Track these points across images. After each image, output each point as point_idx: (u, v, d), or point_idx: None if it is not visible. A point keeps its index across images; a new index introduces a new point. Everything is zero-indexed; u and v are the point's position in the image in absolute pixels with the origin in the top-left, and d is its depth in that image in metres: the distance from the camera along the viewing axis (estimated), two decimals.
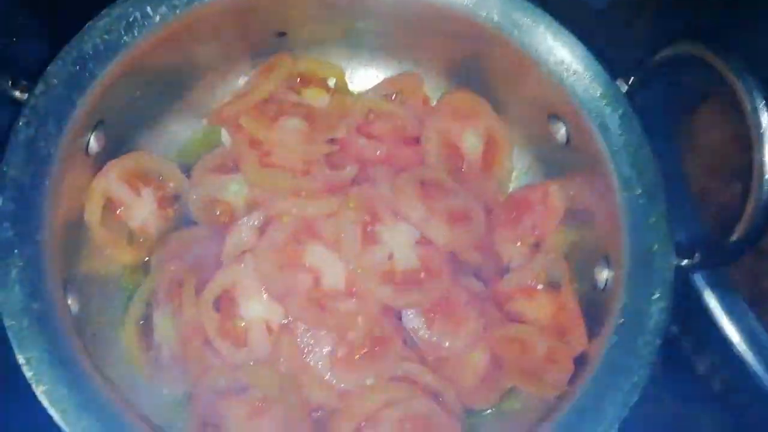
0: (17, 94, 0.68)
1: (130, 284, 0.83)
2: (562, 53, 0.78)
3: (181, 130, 0.91)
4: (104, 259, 0.81)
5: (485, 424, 0.79)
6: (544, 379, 0.77)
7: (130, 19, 0.74)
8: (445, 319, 0.80)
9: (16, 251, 0.63)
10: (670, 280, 0.69)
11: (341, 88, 0.94)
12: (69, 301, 0.69)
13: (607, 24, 0.99)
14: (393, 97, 0.93)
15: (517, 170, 0.95)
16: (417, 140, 0.90)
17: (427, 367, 0.78)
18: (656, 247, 0.71)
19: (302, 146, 0.83)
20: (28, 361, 0.58)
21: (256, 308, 0.76)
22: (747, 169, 0.65)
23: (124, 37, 0.73)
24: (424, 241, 0.80)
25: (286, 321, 0.76)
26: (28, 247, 0.63)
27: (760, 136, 0.62)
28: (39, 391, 0.57)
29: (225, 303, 0.77)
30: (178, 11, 0.75)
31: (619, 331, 0.68)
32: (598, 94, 0.77)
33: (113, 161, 0.81)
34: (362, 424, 0.72)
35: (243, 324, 0.76)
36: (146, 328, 0.80)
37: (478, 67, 0.90)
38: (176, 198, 0.86)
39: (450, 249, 0.81)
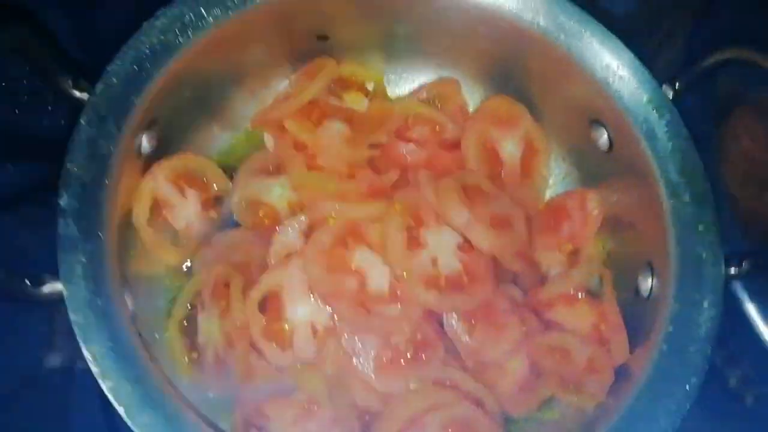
0: (78, 93, 0.69)
1: (173, 286, 0.84)
2: (608, 58, 0.79)
3: (224, 133, 0.92)
4: (149, 260, 0.81)
5: None
6: (583, 388, 0.77)
7: (185, 20, 0.75)
8: (486, 325, 0.80)
9: (80, 247, 0.63)
10: (720, 288, 0.69)
11: (380, 93, 0.95)
12: (126, 298, 0.69)
13: (651, 29, 0.99)
14: (431, 102, 0.94)
15: (555, 177, 0.95)
16: (456, 146, 0.91)
17: (467, 373, 0.79)
18: (705, 254, 0.71)
19: (346, 150, 0.84)
20: (94, 356, 0.59)
21: (302, 310, 0.76)
22: None
23: (179, 38, 0.74)
24: (466, 247, 0.81)
25: (331, 323, 0.76)
26: (90, 244, 0.64)
27: None
28: (105, 386, 0.58)
29: (270, 305, 0.77)
30: (230, 13, 0.76)
31: (669, 339, 0.68)
32: (645, 100, 0.77)
33: (161, 162, 0.82)
34: (405, 428, 0.72)
35: (288, 326, 0.76)
36: (190, 330, 0.80)
37: (518, 71, 0.90)
38: (219, 200, 0.87)
39: (492, 254, 0.82)
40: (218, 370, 0.77)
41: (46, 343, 0.74)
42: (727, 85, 0.88)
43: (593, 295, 0.83)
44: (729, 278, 0.72)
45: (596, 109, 0.83)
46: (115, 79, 0.70)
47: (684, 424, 0.92)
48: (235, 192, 0.86)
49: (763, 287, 0.80)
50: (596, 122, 0.84)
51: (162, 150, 0.82)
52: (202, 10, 0.76)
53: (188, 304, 0.81)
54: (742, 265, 0.71)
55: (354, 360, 0.74)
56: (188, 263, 0.85)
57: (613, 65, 0.79)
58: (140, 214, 0.79)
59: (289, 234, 0.79)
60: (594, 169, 0.89)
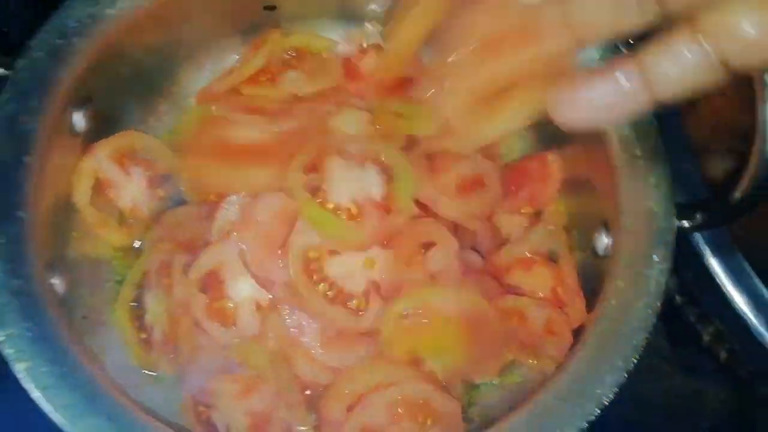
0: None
1: (121, 267, 0.82)
2: None
3: (171, 110, 0.90)
4: (94, 241, 0.79)
5: (486, 397, 0.77)
6: (543, 351, 0.75)
7: None
8: None
9: None
10: (672, 241, 0.67)
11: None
12: (54, 281, 0.67)
13: None
14: None
15: (513, 139, 0.92)
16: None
17: None
18: (656, 208, 0.69)
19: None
20: (8, 338, 0.57)
21: (244, 287, 0.74)
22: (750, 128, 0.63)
23: (109, 9, 0.72)
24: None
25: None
26: (9, 225, 0.62)
27: (764, 88, 0.59)
28: (19, 368, 0.56)
29: (213, 282, 0.75)
30: None
31: (618, 294, 0.66)
32: (597, 57, 0.75)
33: (103, 140, 0.79)
34: (353, 405, 0.70)
35: (231, 303, 0.74)
36: (138, 310, 0.78)
37: None
38: (166, 178, 0.85)
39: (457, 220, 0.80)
40: (166, 350, 0.75)
41: None
42: None
43: (551, 258, 0.81)
44: (685, 231, 0.69)
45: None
46: (38, 54, 0.68)
47: (664, 383, 0.92)
48: (184, 168, 0.84)
49: (722, 240, 0.78)
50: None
51: (102, 128, 0.80)
52: None
53: (136, 285, 0.79)
54: (695, 216, 0.68)
55: (298, 334, 0.72)
56: (138, 243, 0.83)
57: None
58: (81, 194, 0.77)
59: (232, 210, 0.77)
60: (551, 129, 0.85)
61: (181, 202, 0.84)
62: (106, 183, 0.80)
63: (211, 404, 0.71)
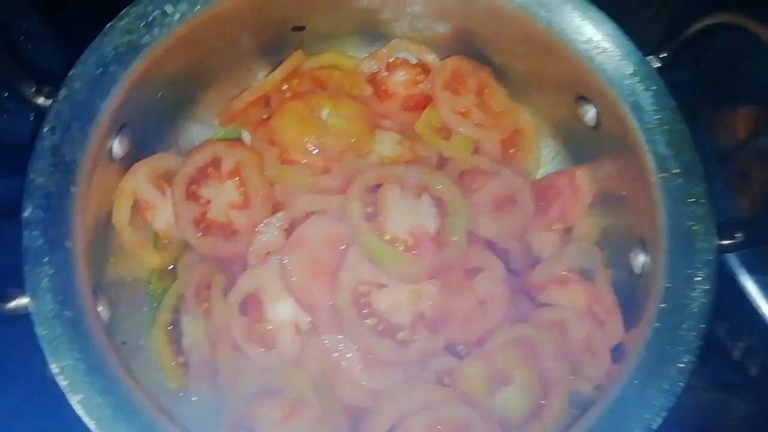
0: (41, 100, 0.68)
1: (158, 290, 0.83)
2: (590, 32, 0.76)
3: (202, 131, 0.91)
4: (131, 263, 0.80)
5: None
6: (581, 371, 0.75)
7: (150, 19, 0.73)
8: None
9: (46, 259, 0.62)
10: (713, 261, 0.67)
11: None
12: (100, 309, 0.68)
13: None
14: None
15: (544, 157, 0.92)
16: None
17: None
18: (696, 227, 0.68)
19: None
20: (62, 370, 0.57)
21: (284, 310, 0.74)
22: None
23: (145, 37, 0.72)
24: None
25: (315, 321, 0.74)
26: (57, 255, 0.63)
27: None
28: (74, 400, 0.57)
29: (253, 305, 0.75)
30: (197, 8, 0.74)
31: (662, 316, 0.65)
32: (629, 72, 0.75)
33: (140, 162, 0.80)
34: (395, 426, 0.70)
35: (271, 326, 0.74)
36: (175, 334, 0.79)
37: (498, 50, 0.88)
38: None
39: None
40: (205, 374, 0.76)
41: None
42: (717, 54, 0.85)
43: (586, 275, 0.81)
44: (723, 250, 0.69)
45: (582, 84, 0.80)
46: (78, 84, 0.69)
47: (690, 397, 0.92)
48: None
49: (758, 260, 0.77)
50: (582, 98, 0.82)
51: (138, 152, 0.81)
52: (168, 7, 0.74)
53: (173, 308, 0.80)
54: (734, 236, 0.68)
55: (338, 357, 0.72)
56: (172, 266, 0.83)
57: (595, 38, 0.76)
58: (120, 215, 0.78)
59: (269, 233, 0.77)
60: (583, 146, 0.87)
61: None
62: (144, 204, 0.81)
63: (253, 429, 0.71)
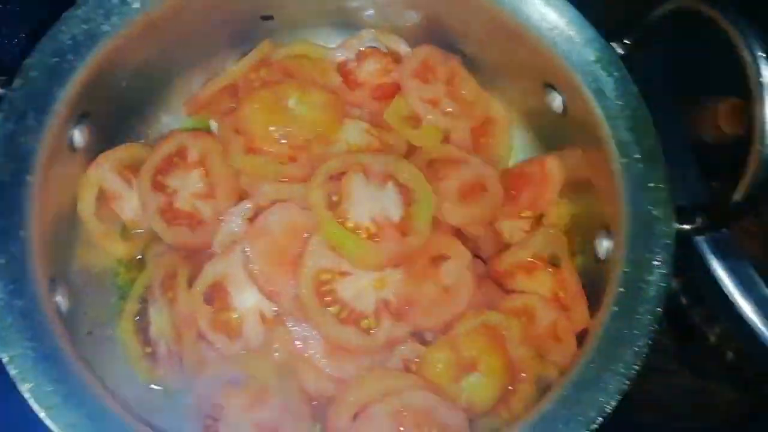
0: None
1: (125, 281, 0.82)
2: (553, 18, 0.76)
3: (171, 121, 0.90)
4: (98, 254, 0.80)
5: None
6: (547, 358, 0.75)
7: (108, 7, 0.72)
8: None
9: None
10: (671, 245, 0.67)
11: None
12: (58, 299, 0.68)
13: None
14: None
15: (515, 145, 0.92)
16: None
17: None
18: (656, 212, 0.68)
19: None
20: (11, 359, 0.57)
21: (249, 299, 0.74)
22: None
23: (103, 26, 0.72)
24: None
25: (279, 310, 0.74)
26: (11, 244, 0.62)
27: (760, 89, 0.59)
28: (24, 388, 0.56)
29: (218, 294, 0.75)
30: None
31: (620, 300, 0.65)
32: (593, 59, 0.75)
33: (106, 152, 0.80)
34: (358, 413, 0.70)
35: (236, 315, 0.74)
36: (143, 324, 0.78)
37: (465, 38, 0.88)
38: None
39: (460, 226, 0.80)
40: (172, 364, 0.75)
41: None
42: (693, 37, 0.85)
43: (554, 262, 0.81)
44: (686, 234, 0.69)
45: (548, 72, 0.80)
46: (34, 73, 0.68)
47: (669, 383, 0.92)
48: None
49: (730, 246, 0.77)
50: (549, 86, 0.82)
51: (104, 143, 0.80)
52: None
53: (140, 298, 0.79)
54: (696, 221, 0.68)
55: (303, 346, 0.72)
56: (140, 256, 0.83)
57: (559, 25, 0.77)
58: (85, 204, 0.78)
59: (234, 222, 0.77)
60: (552, 134, 0.87)
61: None
62: (110, 195, 0.81)
63: (218, 417, 0.71)
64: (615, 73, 0.74)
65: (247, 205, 0.78)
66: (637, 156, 0.71)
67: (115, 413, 0.58)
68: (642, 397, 0.80)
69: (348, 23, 0.92)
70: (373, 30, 0.92)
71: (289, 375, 0.71)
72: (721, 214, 0.67)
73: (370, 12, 0.91)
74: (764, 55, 0.60)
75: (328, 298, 0.72)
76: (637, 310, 0.64)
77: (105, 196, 0.80)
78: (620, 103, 0.73)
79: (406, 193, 0.76)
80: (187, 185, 0.80)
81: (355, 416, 0.70)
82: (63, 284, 0.70)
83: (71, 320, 0.69)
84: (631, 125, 0.72)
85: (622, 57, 0.76)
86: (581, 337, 0.72)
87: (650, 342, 0.62)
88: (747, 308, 0.78)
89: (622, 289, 0.66)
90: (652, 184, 0.70)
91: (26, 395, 0.56)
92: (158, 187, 0.80)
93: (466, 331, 0.74)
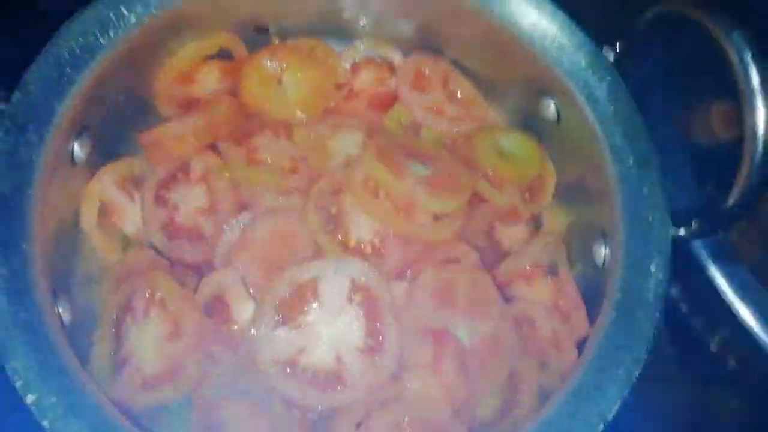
0: None
1: None
2: (544, 25, 0.77)
3: None
4: (100, 267, 0.80)
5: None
6: (548, 366, 0.75)
7: (105, 21, 0.73)
8: None
9: (0, 260, 0.62)
10: (667, 250, 0.67)
11: None
12: (60, 310, 0.68)
13: None
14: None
15: None
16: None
17: None
18: (651, 217, 0.69)
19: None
20: (16, 370, 0.57)
21: (248, 310, 0.74)
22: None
23: (101, 40, 0.72)
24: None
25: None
26: (13, 258, 0.62)
27: (750, 93, 0.60)
28: (28, 400, 0.56)
29: (219, 307, 0.75)
30: (153, 10, 0.74)
31: (618, 306, 0.66)
32: (584, 65, 0.76)
33: (107, 166, 0.81)
34: (360, 423, 0.70)
35: (236, 327, 0.74)
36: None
37: (458, 48, 0.89)
38: None
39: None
40: (166, 378, 0.74)
41: None
42: (684, 41, 0.86)
43: (552, 271, 0.81)
44: (683, 239, 0.70)
45: (540, 79, 0.81)
46: (33, 87, 0.69)
47: (672, 392, 0.92)
48: None
49: (725, 250, 0.78)
50: (543, 93, 0.83)
51: (104, 156, 0.81)
52: (123, 9, 0.74)
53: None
54: (691, 225, 0.69)
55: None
56: None
57: (550, 32, 0.77)
58: (88, 217, 0.78)
59: (234, 234, 0.77)
60: (546, 140, 0.87)
61: None
62: (111, 208, 0.81)
63: (219, 428, 0.71)
64: (607, 79, 0.75)
65: (246, 217, 0.78)
66: (631, 161, 0.72)
67: (118, 424, 0.58)
68: (644, 405, 0.79)
69: (342, 33, 0.93)
70: (367, 40, 0.93)
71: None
72: (716, 217, 0.67)
73: (364, 23, 0.92)
74: (753, 59, 0.61)
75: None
76: (636, 316, 0.64)
77: (106, 210, 0.81)
78: (612, 108, 0.74)
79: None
80: (190, 200, 0.80)
81: (358, 426, 0.70)
82: (65, 297, 0.70)
83: (73, 332, 0.69)
84: (625, 130, 0.73)
85: (613, 62, 0.77)
86: (581, 345, 0.73)
87: (650, 348, 0.62)
88: (747, 315, 0.78)
89: (620, 295, 0.66)
90: (646, 189, 0.70)
91: (31, 406, 0.56)
92: (161, 201, 0.80)
93: None
